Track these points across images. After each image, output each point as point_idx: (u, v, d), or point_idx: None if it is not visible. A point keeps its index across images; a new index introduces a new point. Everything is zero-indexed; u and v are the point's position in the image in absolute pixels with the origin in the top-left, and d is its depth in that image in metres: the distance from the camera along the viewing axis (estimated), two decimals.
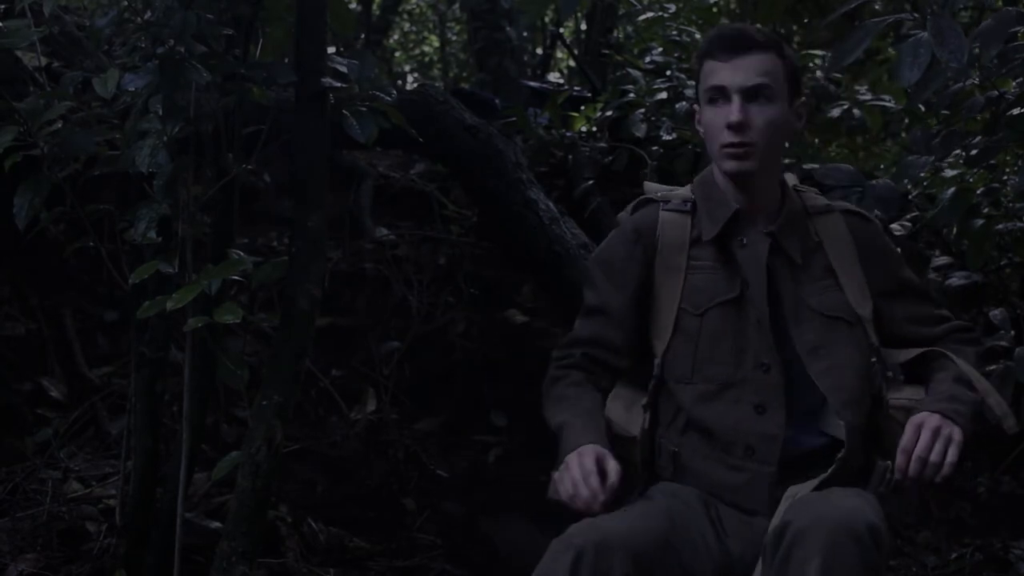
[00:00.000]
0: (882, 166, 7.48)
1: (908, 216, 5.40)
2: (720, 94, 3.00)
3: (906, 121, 6.56)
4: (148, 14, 3.61)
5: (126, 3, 3.69)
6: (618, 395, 3.19)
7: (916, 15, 3.51)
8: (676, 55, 6.97)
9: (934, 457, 2.78)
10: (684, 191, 3.25)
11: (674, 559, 2.77)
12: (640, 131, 6.21)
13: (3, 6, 3.84)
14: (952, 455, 2.78)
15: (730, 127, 2.97)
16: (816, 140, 6.89)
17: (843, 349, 3.01)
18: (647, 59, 7.08)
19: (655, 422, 3.11)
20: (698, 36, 7.49)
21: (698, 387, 3.04)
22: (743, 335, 3.03)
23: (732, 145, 2.98)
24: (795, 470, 2.93)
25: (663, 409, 3.11)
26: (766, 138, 2.99)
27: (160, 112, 3.59)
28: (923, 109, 5.51)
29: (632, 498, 2.99)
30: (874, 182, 4.87)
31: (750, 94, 2.97)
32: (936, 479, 2.79)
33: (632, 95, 6.47)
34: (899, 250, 3.33)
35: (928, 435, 2.80)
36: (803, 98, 3.15)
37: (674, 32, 7.28)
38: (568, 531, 2.73)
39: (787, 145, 3.26)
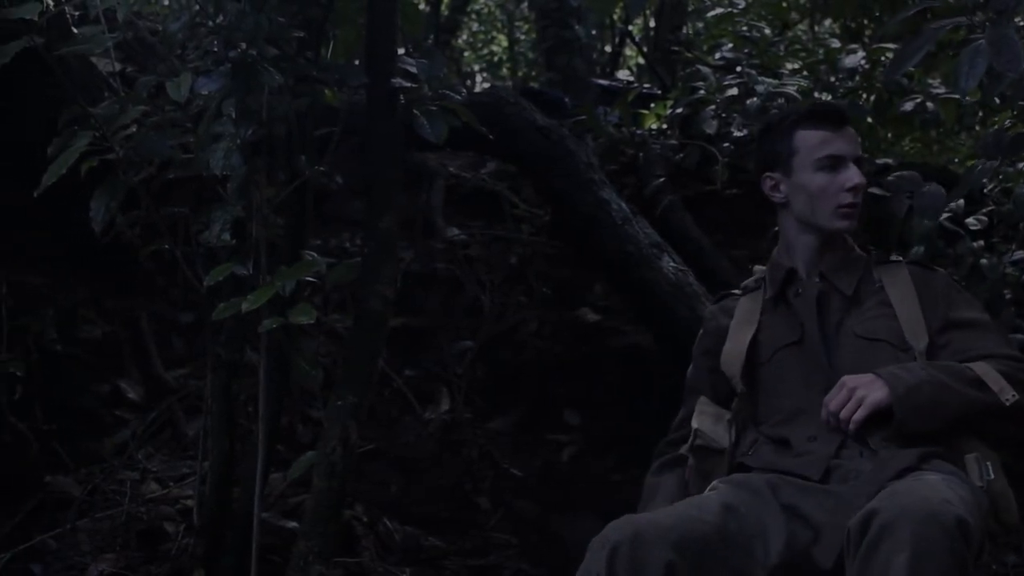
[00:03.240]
0: (956, 160, 7.40)
1: (984, 211, 5.34)
2: (837, 162, 3.28)
3: (980, 114, 6.49)
4: (220, 18, 3.63)
5: (198, 7, 3.72)
6: (704, 410, 3.33)
7: (977, 16, 3.46)
8: (746, 51, 6.92)
9: (844, 414, 2.98)
10: (761, 270, 3.54)
11: (727, 551, 2.79)
12: (711, 128, 6.16)
13: (78, 13, 3.87)
14: (859, 414, 2.96)
15: (853, 189, 3.26)
16: (889, 134, 6.82)
17: (883, 368, 3.08)
18: (717, 55, 7.04)
19: (738, 436, 3.27)
20: (768, 32, 7.44)
21: (773, 418, 3.23)
22: (808, 370, 3.22)
23: (850, 206, 3.27)
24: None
25: (739, 426, 3.29)
26: (862, 200, 3.30)
27: (233, 115, 3.61)
28: (998, 102, 5.44)
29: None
30: (924, 189, 4.82)
31: (858, 162, 3.30)
32: (848, 431, 3.00)
33: (702, 92, 6.42)
34: (968, 295, 3.43)
35: (842, 392, 3.00)
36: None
37: (744, 28, 7.22)
38: (604, 529, 2.78)
39: None
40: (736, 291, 3.57)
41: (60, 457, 4.80)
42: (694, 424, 3.28)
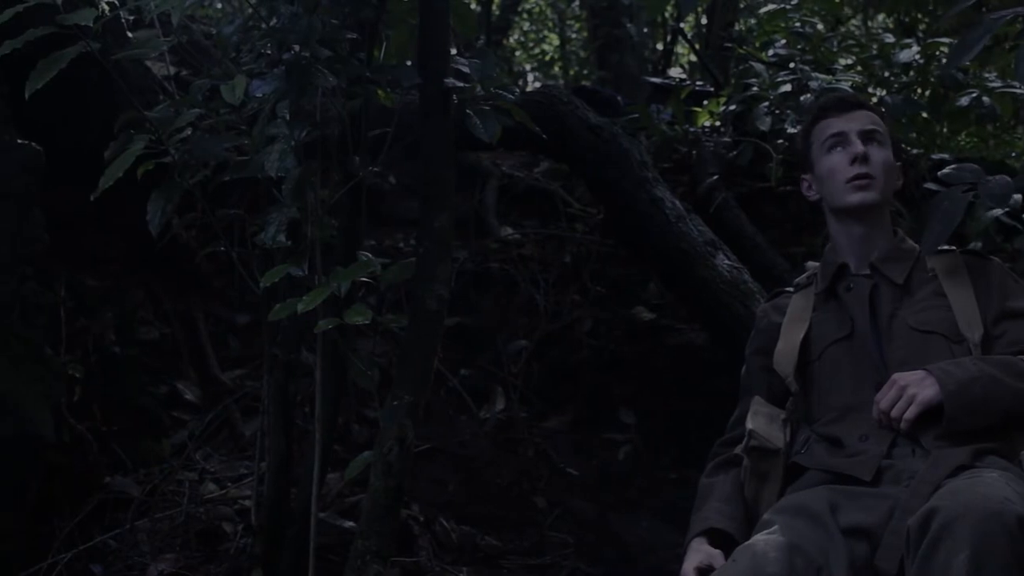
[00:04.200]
0: (1014, 153, 7.33)
1: None
2: (840, 139, 3.36)
3: None
4: (274, 21, 3.65)
5: (252, 10, 3.74)
6: (758, 410, 3.32)
7: None
8: (799, 47, 6.89)
9: (895, 412, 2.97)
10: (814, 266, 3.56)
11: None
12: (765, 124, 6.13)
13: (132, 17, 3.90)
14: (910, 412, 2.94)
15: (855, 160, 3.30)
16: (944, 129, 6.77)
17: (935, 361, 3.06)
18: (770, 52, 7.00)
19: (793, 436, 3.27)
20: (821, 27, 7.40)
21: (825, 416, 3.21)
22: (859, 365, 3.21)
23: (857, 177, 3.30)
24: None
25: (794, 425, 3.30)
26: (882, 174, 3.33)
27: (287, 117, 3.64)
28: None
29: (759, 526, 2.97)
30: (990, 178, 4.78)
31: (866, 137, 3.34)
32: (900, 429, 2.98)
33: (756, 88, 6.39)
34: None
35: (892, 390, 2.99)
36: (899, 163, 3.44)
37: (797, 24, 7.18)
38: None
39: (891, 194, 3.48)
40: (789, 288, 3.58)
41: (119, 458, 4.84)
42: (748, 425, 3.27)
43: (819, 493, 2.93)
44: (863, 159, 3.29)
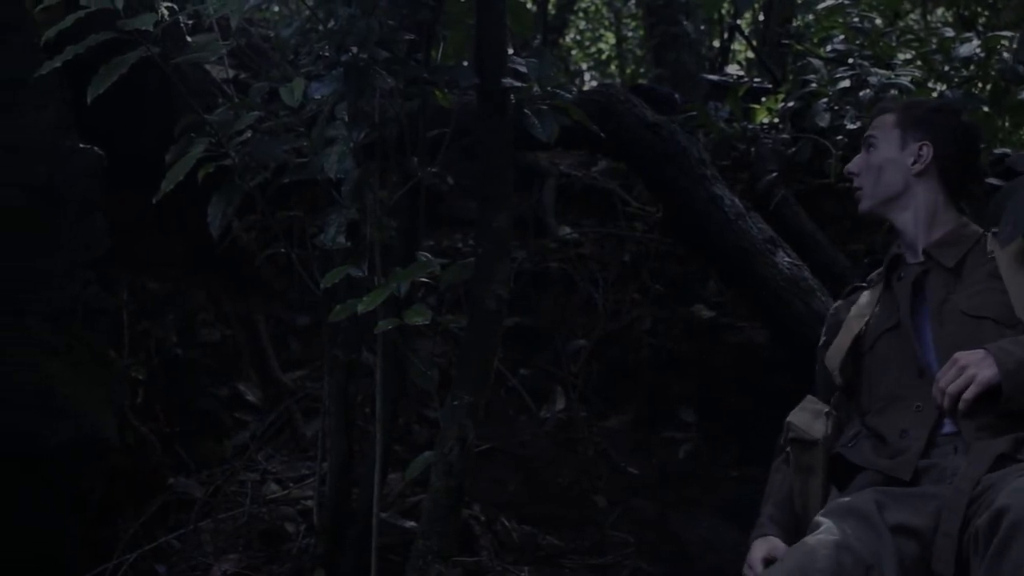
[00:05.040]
0: None
1: None
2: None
3: None
4: (332, 23, 3.67)
5: (310, 13, 3.75)
6: (805, 407, 3.35)
7: None
8: (858, 42, 6.84)
9: (951, 389, 2.92)
10: None
11: None
12: (824, 121, 6.10)
13: (191, 21, 3.93)
14: (969, 392, 2.89)
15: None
16: (1006, 124, 6.71)
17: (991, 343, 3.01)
18: (828, 47, 6.96)
19: (837, 430, 3.27)
20: (879, 22, 7.35)
21: (873, 406, 3.20)
22: (906, 353, 3.19)
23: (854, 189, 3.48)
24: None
25: (843, 418, 3.31)
26: (868, 179, 3.44)
27: (346, 119, 3.65)
28: None
29: (809, 529, 2.96)
30: None
31: (864, 144, 3.48)
32: (958, 410, 2.93)
33: (814, 84, 6.36)
34: None
35: (952, 370, 2.94)
36: (924, 142, 3.39)
37: (855, 19, 7.14)
38: None
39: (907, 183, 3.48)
40: (863, 284, 3.57)
41: (182, 459, 4.88)
42: (788, 418, 3.32)
43: (866, 495, 2.92)
44: (851, 171, 3.47)
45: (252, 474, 4.86)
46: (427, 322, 3.51)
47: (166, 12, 3.56)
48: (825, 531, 2.79)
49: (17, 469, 3.91)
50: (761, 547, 3.15)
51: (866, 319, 3.35)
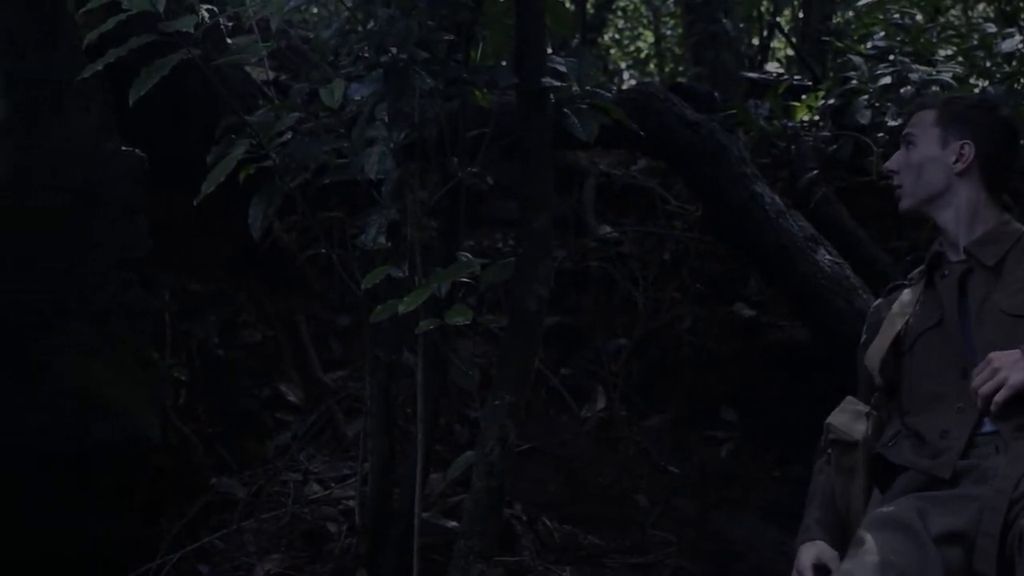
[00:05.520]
0: None
1: None
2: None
3: None
4: (371, 24, 3.67)
5: (349, 14, 3.76)
6: (845, 408, 3.31)
7: None
8: (899, 39, 6.81)
9: (983, 390, 2.90)
10: None
11: None
12: (864, 118, 6.08)
13: (232, 23, 3.95)
14: (1001, 395, 2.87)
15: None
16: None
17: None
18: (868, 44, 6.93)
19: (877, 430, 3.23)
20: (920, 18, 7.31)
21: (913, 406, 3.16)
22: (945, 354, 3.14)
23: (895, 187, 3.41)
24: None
25: (884, 418, 3.26)
26: (908, 177, 3.36)
27: (386, 119, 3.65)
28: None
29: (853, 543, 2.94)
30: None
31: (903, 142, 3.41)
32: (991, 411, 2.91)
33: (855, 81, 6.34)
34: None
35: (985, 371, 2.92)
36: (965, 140, 3.33)
37: (896, 15, 7.11)
38: None
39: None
40: (904, 282, 3.53)
41: (224, 459, 4.90)
42: (828, 420, 3.28)
43: (907, 503, 2.89)
44: (890, 169, 3.41)
45: (294, 474, 4.88)
46: (468, 322, 3.51)
47: (206, 14, 3.57)
48: (867, 551, 2.77)
49: (62, 469, 3.94)
50: (810, 552, 3.12)
51: (906, 318, 3.31)
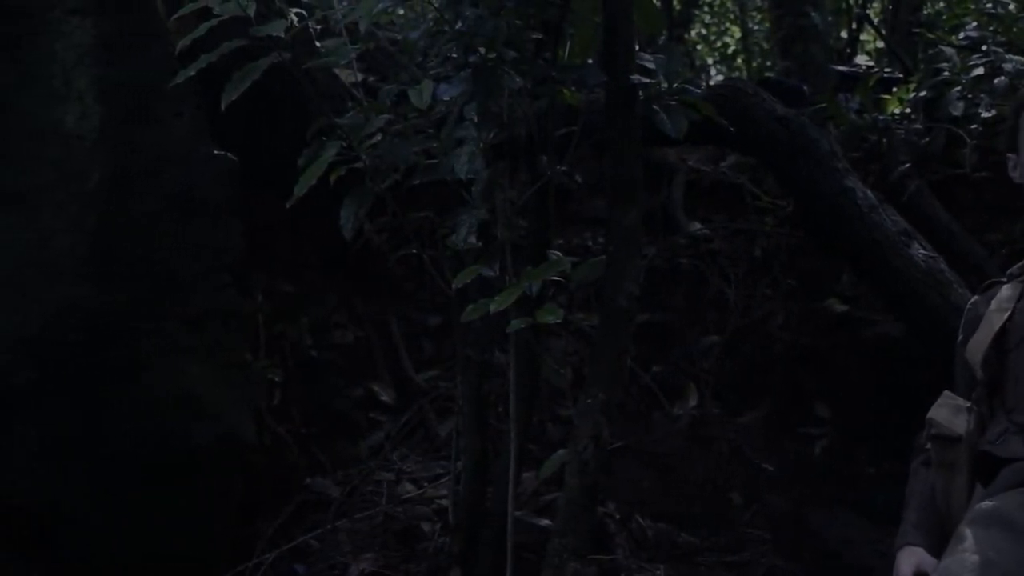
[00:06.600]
0: None
1: None
2: None
3: None
4: (459, 24, 3.68)
5: (436, 15, 3.77)
6: (944, 403, 3.24)
7: None
8: (991, 28, 6.72)
9: None
10: None
11: None
12: (957, 109, 6.00)
13: (320, 27, 3.97)
14: None
15: None
16: None
17: None
18: (960, 35, 6.85)
19: (980, 425, 3.16)
20: (1012, 7, 7.21)
21: (1019, 402, 3.10)
22: None
23: None
24: None
25: (985, 414, 3.19)
26: None
27: (475, 119, 3.66)
28: None
29: (953, 540, 2.90)
30: None
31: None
32: None
33: (946, 73, 6.26)
34: None
35: None
36: None
37: (988, 4, 7.02)
38: None
39: None
40: (1002, 279, 3.46)
41: (318, 459, 4.94)
42: (929, 414, 3.21)
43: (1012, 498, 2.86)
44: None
45: (387, 474, 4.91)
46: (559, 321, 3.51)
47: (296, 18, 3.60)
48: (967, 548, 2.74)
49: (162, 471, 3.99)
50: (909, 560, 3.07)
51: (1008, 313, 3.24)
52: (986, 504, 2.90)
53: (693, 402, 5.67)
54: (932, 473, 3.21)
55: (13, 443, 3.85)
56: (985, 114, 6.01)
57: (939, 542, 3.05)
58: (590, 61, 4.28)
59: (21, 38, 3.99)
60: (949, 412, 3.20)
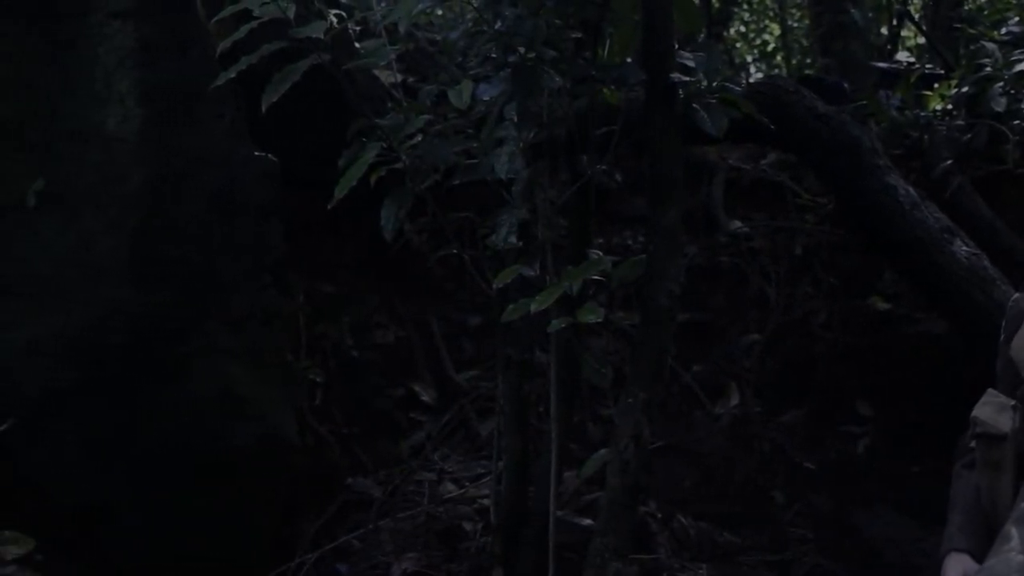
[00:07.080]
0: None
1: None
2: None
3: None
4: (498, 24, 3.67)
5: (476, 15, 3.77)
6: (988, 401, 3.18)
7: None
8: None
9: None
10: None
11: None
12: (1000, 105, 5.97)
13: (359, 28, 3.98)
14: None
15: None
16: None
17: None
18: (1003, 30, 6.81)
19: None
20: None
21: None
22: None
23: None
24: None
25: None
26: None
27: (515, 119, 3.65)
28: None
29: (999, 540, 2.89)
30: None
31: None
32: None
33: (989, 69, 6.22)
34: None
35: None
36: None
37: None
38: None
39: None
40: None
41: (360, 459, 4.95)
42: (973, 412, 3.16)
43: None
44: None
45: (429, 473, 4.91)
46: (600, 320, 3.51)
47: (335, 20, 3.60)
48: (1012, 548, 2.72)
49: (204, 471, 4.01)
50: (956, 567, 3.05)
51: None
52: None
53: (734, 401, 5.65)
54: (976, 473, 3.18)
55: (57, 444, 3.88)
56: None
57: (985, 544, 3.02)
58: (629, 60, 4.27)
59: (63, 42, 4.01)
60: (993, 410, 3.17)
